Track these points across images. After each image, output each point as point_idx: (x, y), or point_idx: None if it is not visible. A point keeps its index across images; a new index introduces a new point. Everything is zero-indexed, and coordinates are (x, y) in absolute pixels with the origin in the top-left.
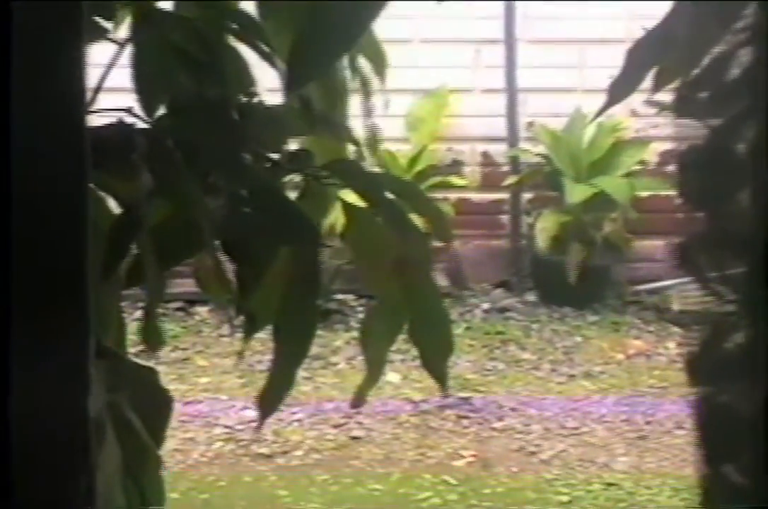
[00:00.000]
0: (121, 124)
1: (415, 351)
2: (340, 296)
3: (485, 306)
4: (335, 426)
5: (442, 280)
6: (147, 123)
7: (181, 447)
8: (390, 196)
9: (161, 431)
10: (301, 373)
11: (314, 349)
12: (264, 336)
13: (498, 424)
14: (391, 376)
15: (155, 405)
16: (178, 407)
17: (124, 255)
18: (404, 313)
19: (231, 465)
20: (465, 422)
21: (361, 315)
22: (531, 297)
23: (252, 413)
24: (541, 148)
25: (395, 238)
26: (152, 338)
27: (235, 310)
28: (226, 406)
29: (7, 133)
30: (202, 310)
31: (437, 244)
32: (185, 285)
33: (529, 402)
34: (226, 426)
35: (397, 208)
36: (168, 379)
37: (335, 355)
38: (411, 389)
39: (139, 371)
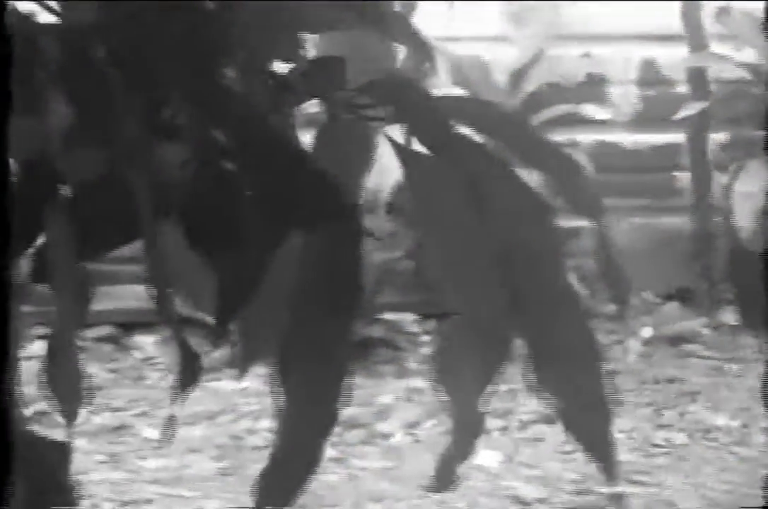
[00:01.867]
0: (22, 20)
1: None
2: (389, 315)
3: (647, 333)
4: None
5: (580, 286)
6: (64, 19)
7: None
8: (478, 137)
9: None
10: (328, 451)
11: (347, 410)
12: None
13: None
14: (486, 455)
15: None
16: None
17: (28, 240)
18: (511, 338)
19: None
20: None
21: (426, 349)
22: (728, 317)
23: None
24: (748, 54)
25: (492, 211)
26: (63, 388)
27: (212, 338)
28: None
29: None
30: (146, 342)
31: (570, 220)
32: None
33: None
34: None
35: (493, 158)
36: (93, 462)
37: (384, 419)
38: (520, 478)
39: (39, 449)
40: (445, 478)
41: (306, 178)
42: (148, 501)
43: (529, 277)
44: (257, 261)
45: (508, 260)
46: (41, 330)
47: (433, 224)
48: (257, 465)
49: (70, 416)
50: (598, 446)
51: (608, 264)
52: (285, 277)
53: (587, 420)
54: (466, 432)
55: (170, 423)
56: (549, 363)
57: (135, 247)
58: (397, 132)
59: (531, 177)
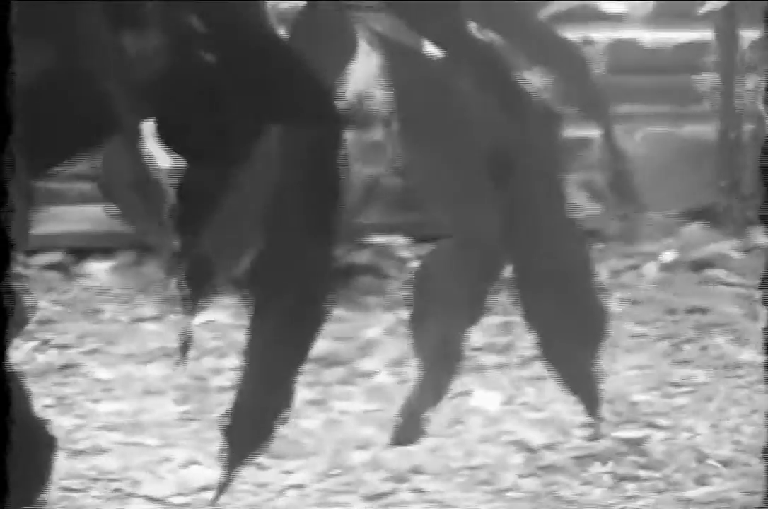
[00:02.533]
0: None
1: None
2: (376, 239)
3: (667, 257)
4: (368, 498)
5: (581, 198)
6: None
7: None
8: (474, 32)
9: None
10: (303, 393)
11: (326, 345)
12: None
13: (693, 493)
14: (485, 397)
15: (26, 452)
16: (60, 459)
17: None
18: (503, 260)
19: None
20: (630, 488)
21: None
22: (758, 239)
23: (203, 472)
24: None
25: (492, 120)
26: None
27: (174, 257)
28: (154, 459)
29: None
30: (99, 270)
31: (580, 130)
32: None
33: None
34: (152, 499)
35: (499, 59)
36: (39, 406)
37: (367, 357)
38: (524, 422)
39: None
40: (410, 428)
41: (285, 67)
42: (104, 451)
43: (524, 194)
44: (233, 162)
45: (504, 175)
46: None
47: (422, 133)
48: (224, 408)
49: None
50: (578, 379)
51: (618, 177)
52: (258, 190)
53: (569, 352)
54: (441, 371)
55: (182, 355)
56: (536, 290)
57: (85, 162)
58: (383, 23)
59: (538, 80)
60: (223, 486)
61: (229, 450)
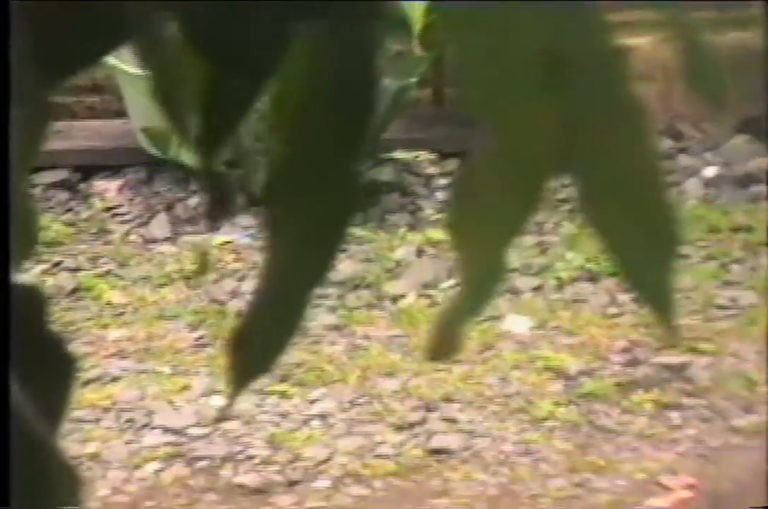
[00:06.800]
0: None
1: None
2: (401, 154)
3: (710, 172)
4: (398, 428)
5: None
6: None
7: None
8: None
9: (59, 412)
10: (326, 317)
11: (350, 267)
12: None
13: (741, 422)
14: (516, 321)
15: (49, 372)
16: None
17: None
18: (550, 175)
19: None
20: (675, 417)
21: (445, 194)
22: None
23: (222, 401)
24: None
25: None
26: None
27: (196, 171)
28: (168, 388)
29: None
30: (108, 188)
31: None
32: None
33: None
34: (168, 430)
35: None
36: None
37: (394, 278)
38: (559, 348)
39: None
40: (445, 343)
41: None
42: (115, 379)
43: (584, 92)
44: (264, 70)
45: (559, 70)
46: None
47: (467, 18)
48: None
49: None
50: (659, 299)
51: (695, 61)
52: (283, 100)
53: (648, 267)
54: (481, 287)
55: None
56: (605, 200)
57: (91, 75)
58: None
59: None
60: (225, 408)
61: (234, 369)
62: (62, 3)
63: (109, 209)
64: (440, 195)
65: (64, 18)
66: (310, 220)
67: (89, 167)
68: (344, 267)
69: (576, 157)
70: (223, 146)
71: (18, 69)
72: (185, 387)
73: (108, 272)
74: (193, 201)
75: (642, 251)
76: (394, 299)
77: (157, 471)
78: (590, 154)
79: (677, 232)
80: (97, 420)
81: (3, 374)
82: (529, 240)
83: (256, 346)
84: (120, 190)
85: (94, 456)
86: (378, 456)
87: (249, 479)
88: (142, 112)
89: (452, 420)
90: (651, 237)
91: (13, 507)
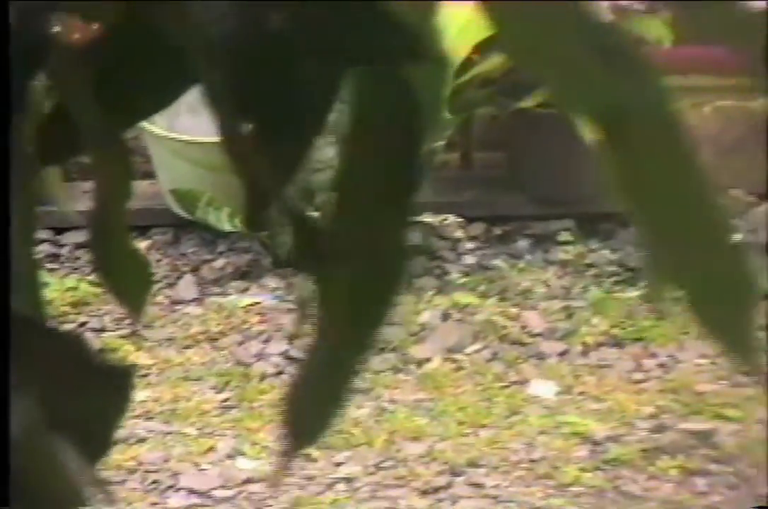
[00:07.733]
0: None
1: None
2: (428, 218)
3: (736, 238)
4: (423, 492)
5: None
6: None
7: None
8: None
9: (114, 421)
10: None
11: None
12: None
13: (765, 489)
14: (542, 386)
15: (102, 389)
16: None
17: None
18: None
19: None
20: (701, 483)
21: (471, 258)
22: None
23: (247, 463)
24: None
25: (599, 68)
26: (122, 276)
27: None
28: (194, 449)
29: None
30: (140, 247)
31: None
32: None
33: None
34: (193, 492)
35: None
36: None
37: (420, 342)
38: (585, 413)
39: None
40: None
41: (365, 11)
42: (140, 440)
43: (644, 151)
44: (311, 131)
45: (618, 126)
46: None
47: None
48: (266, 396)
49: (136, 307)
50: (736, 334)
51: None
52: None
53: (722, 305)
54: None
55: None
56: (669, 244)
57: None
58: None
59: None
60: (275, 478)
61: (287, 437)
62: (118, 55)
63: None
64: (467, 259)
65: (121, 70)
66: (361, 286)
67: None
68: None
69: (639, 211)
70: (269, 209)
71: (80, 120)
72: (210, 449)
73: (133, 333)
74: (220, 262)
75: (717, 300)
76: (420, 363)
77: None
78: (653, 207)
79: (751, 279)
80: (123, 482)
81: (3, 374)
82: (555, 304)
83: (309, 413)
84: (147, 250)
85: None
86: None
87: None
88: (169, 174)
89: (478, 485)
90: (724, 285)
91: (12, 507)
